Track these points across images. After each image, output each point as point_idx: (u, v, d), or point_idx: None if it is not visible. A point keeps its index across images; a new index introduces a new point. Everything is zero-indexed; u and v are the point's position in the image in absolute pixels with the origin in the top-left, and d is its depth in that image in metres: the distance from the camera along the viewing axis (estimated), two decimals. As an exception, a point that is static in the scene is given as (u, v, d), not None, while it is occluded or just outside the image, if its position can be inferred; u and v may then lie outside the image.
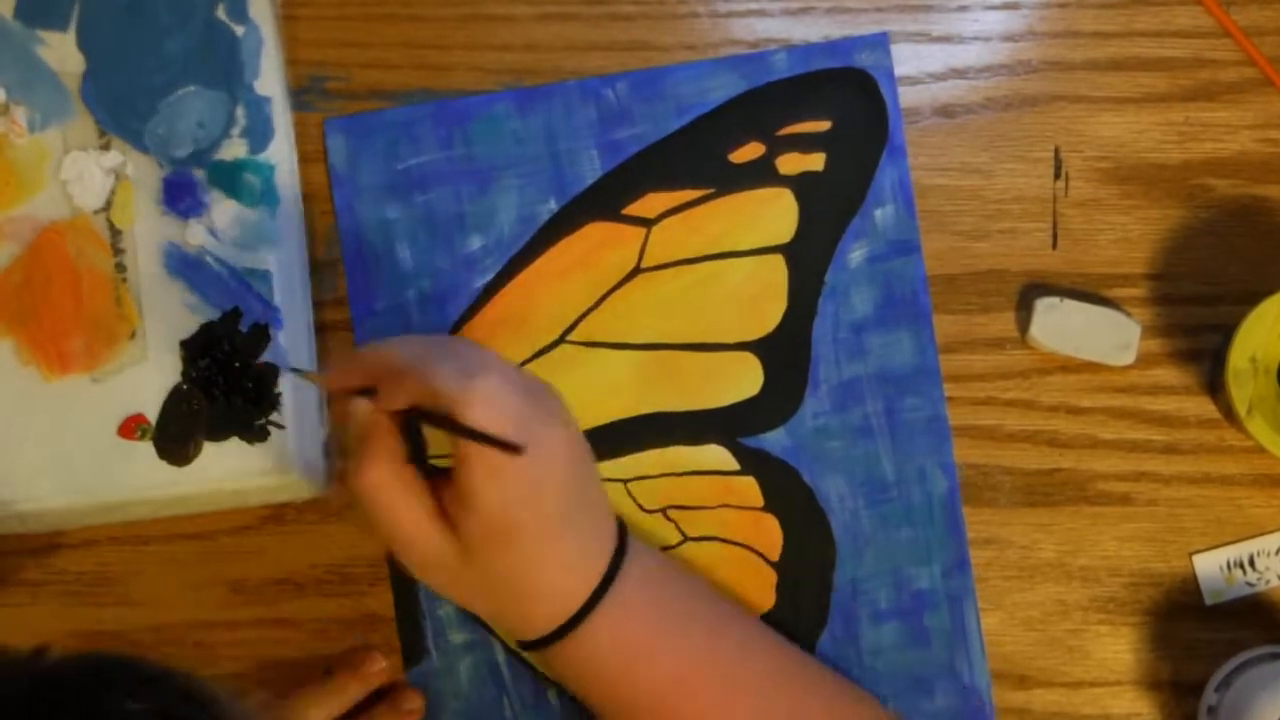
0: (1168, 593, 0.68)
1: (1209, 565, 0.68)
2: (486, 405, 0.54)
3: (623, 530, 0.61)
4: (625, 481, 0.69)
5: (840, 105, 0.70)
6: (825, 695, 0.65)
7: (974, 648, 0.68)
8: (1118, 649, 0.68)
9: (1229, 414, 0.67)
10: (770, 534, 0.68)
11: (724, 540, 0.68)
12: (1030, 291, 0.69)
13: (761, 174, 0.70)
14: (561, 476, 0.57)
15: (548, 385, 0.59)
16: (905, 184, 0.70)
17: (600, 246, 0.69)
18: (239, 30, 0.68)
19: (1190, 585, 0.68)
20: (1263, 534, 0.68)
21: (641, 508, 0.69)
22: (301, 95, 0.70)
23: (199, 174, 0.67)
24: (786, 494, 0.69)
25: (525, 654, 0.64)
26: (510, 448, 0.54)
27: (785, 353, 0.69)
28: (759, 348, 0.69)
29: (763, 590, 0.68)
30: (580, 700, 0.62)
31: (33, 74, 0.67)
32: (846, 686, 0.66)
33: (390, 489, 0.57)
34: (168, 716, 0.43)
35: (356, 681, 0.67)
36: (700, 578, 0.67)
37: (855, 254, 0.69)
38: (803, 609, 0.68)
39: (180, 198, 0.67)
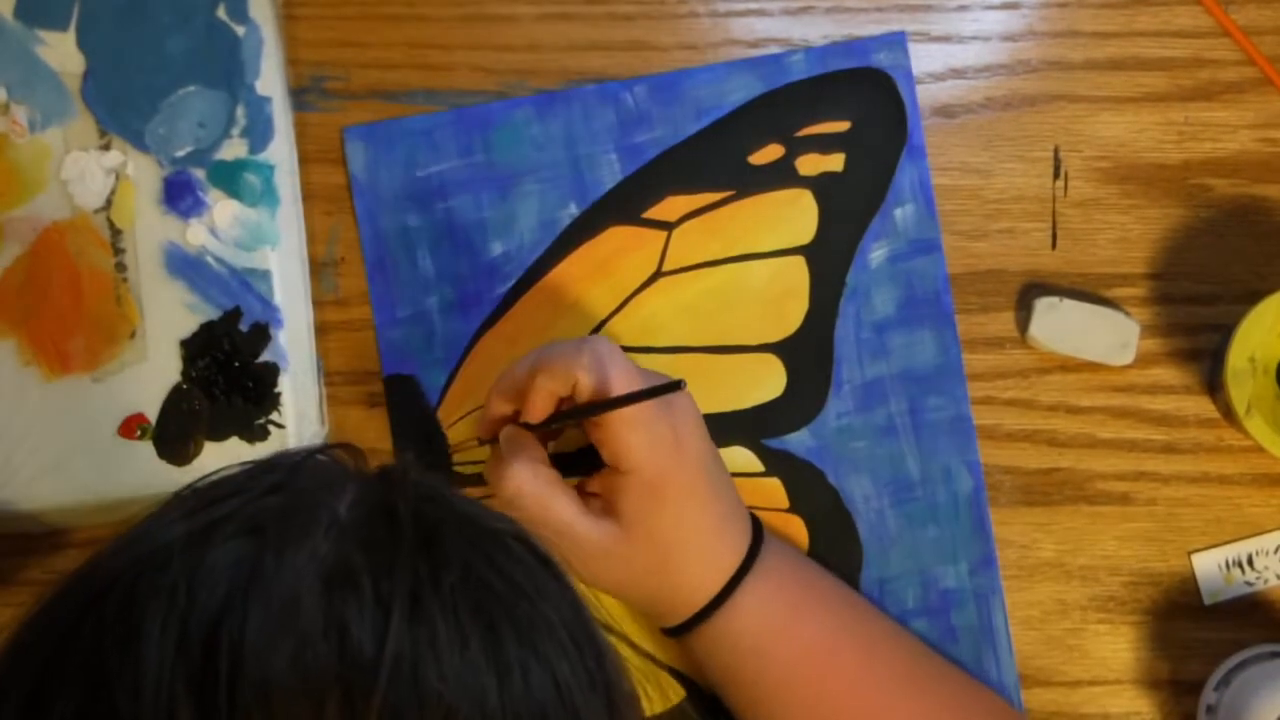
0: (1166, 592, 0.68)
1: (1208, 564, 0.68)
2: (606, 358, 0.58)
3: (752, 513, 0.64)
4: None
5: (859, 105, 0.70)
6: (957, 685, 0.65)
7: (1001, 645, 0.68)
8: (1117, 648, 0.68)
9: (1228, 413, 0.67)
10: (796, 535, 0.68)
11: None
12: (1029, 291, 0.69)
13: (781, 175, 0.70)
14: (696, 428, 0.61)
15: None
16: (925, 183, 0.70)
17: (621, 251, 0.69)
18: (239, 30, 0.68)
19: (1189, 584, 0.68)
20: (1261, 533, 0.68)
21: None
22: (302, 95, 0.70)
23: (199, 174, 0.67)
24: (812, 495, 0.69)
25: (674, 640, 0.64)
26: (670, 387, 0.57)
27: (808, 354, 0.69)
28: (781, 349, 0.69)
29: None
30: (720, 690, 0.63)
31: (33, 74, 0.67)
32: (971, 680, 0.66)
33: (536, 484, 0.60)
34: (527, 543, 0.43)
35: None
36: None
37: (876, 254, 0.69)
38: None
39: (181, 197, 0.67)
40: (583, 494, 0.62)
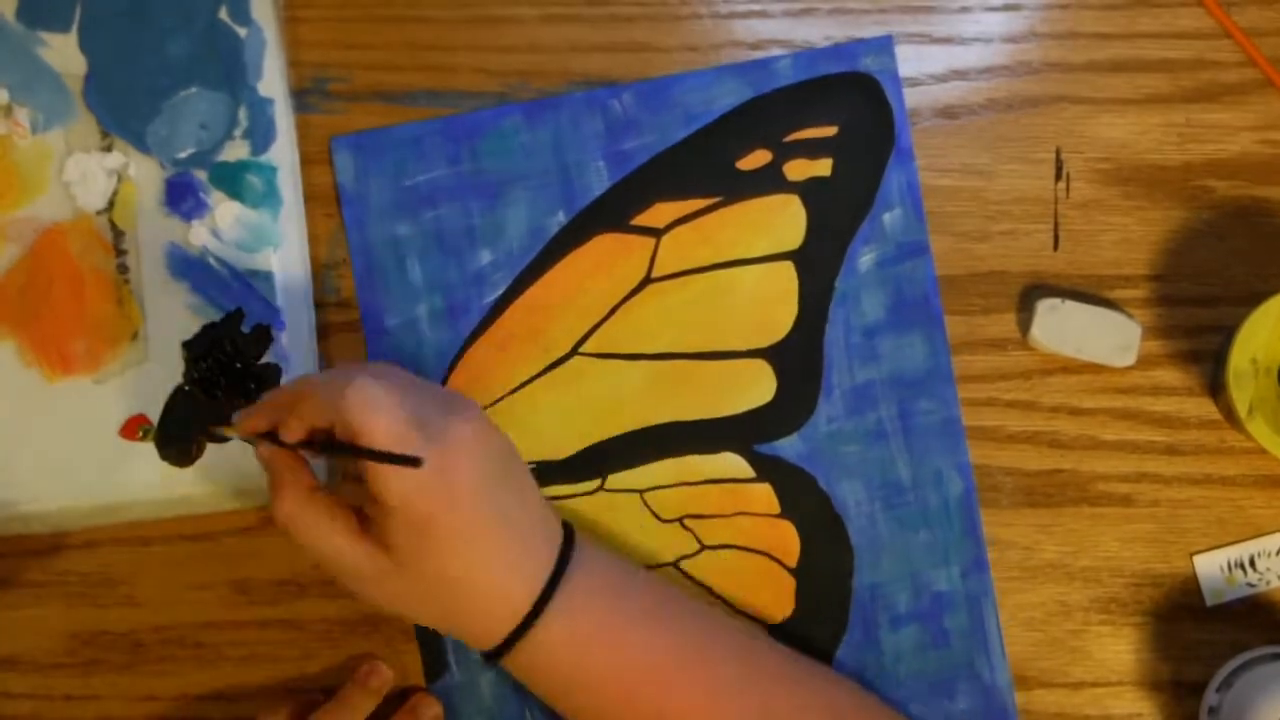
0: (1169, 593, 0.68)
1: (1210, 566, 0.68)
2: (362, 402, 0.55)
3: (569, 530, 0.61)
4: (641, 492, 0.69)
5: (846, 110, 0.70)
6: (800, 683, 0.63)
7: (994, 648, 0.68)
8: (1119, 649, 0.68)
9: (1230, 415, 0.67)
10: (788, 540, 0.68)
11: (741, 548, 0.68)
12: (1031, 292, 0.69)
13: (769, 181, 0.70)
14: (471, 467, 0.56)
15: (457, 392, 0.61)
16: (913, 187, 0.70)
17: (610, 257, 0.69)
18: (242, 32, 0.68)
19: (1191, 586, 0.68)
20: (1263, 535, 0.68)
21: (658, 518, 0.68)
22: (304, 96, 0.70)
23: (201, 175, 0.67)
24: (803, 500, 0.69)
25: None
26: (405, 460, 0.53)
27: (797, 359, 0.69)
28: (771, 355, 0.69)
29: (782, 597, 0.68)
30: (555, 711, 0.62)
31: (35, 75, 0.67)
32: (820, 671, 0.65)
33: (303, 517, 0.57)
34: None
35: (363, 695, 0.67)
36: (656, 574, 0.66)
37: (865, 258, 0.69)
38: (822, 615, 0.68)
39: (182, 199, 0.67)
40: (363, 516, 0.58)
